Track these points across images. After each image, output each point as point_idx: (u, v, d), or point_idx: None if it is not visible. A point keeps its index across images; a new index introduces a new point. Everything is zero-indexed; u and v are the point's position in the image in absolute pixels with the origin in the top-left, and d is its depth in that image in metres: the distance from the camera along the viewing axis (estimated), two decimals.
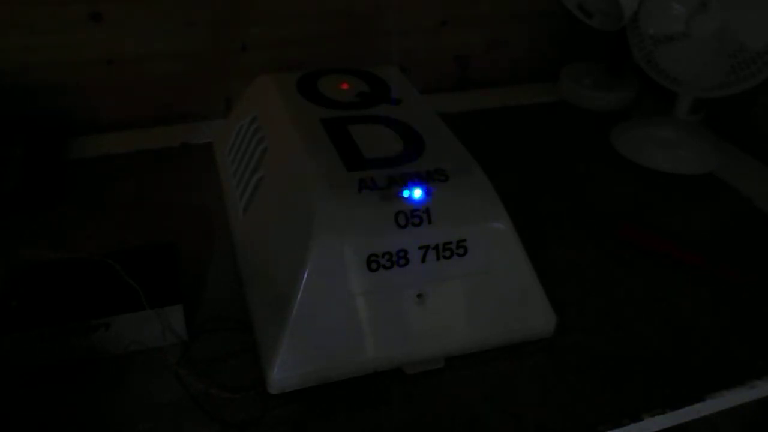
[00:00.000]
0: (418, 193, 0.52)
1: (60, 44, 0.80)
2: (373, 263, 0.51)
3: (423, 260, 0.52)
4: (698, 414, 0.54)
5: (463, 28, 0.98)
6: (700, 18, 0.76)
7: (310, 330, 0.50)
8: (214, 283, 0.62)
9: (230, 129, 0.74)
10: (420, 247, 0.52)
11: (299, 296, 0.50)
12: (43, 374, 0.52)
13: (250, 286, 0.58)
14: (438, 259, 0.53)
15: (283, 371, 0.50)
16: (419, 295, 0.53)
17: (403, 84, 0.70)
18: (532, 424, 0.51)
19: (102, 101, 0.86)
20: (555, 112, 0.98)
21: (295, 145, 0.58)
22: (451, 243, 0.53)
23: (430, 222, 0.52)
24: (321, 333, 0.51)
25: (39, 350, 0.52)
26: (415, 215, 0.52)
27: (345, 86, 0.68)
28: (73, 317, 0.52)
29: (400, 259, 0.51)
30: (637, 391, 0.54)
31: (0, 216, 0.69)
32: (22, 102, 0.82)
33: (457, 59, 1.01)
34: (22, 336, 0.51)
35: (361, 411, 0.51)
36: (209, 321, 0.58)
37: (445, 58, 1.01)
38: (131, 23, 0.82)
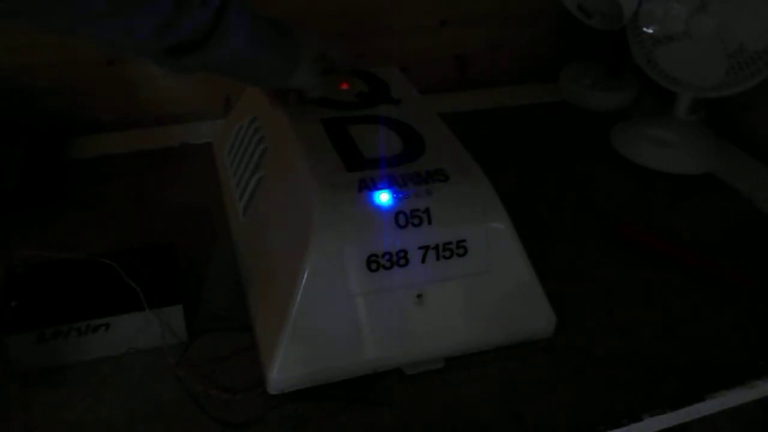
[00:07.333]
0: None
1: (60, 44, 0.80)
2: (373, 263, 0.51)
3: (423, 260, 0.52)
4: (698, 414, 0.54)
5: (463, 28, 0.98)
6: (700, 18, 0.76)
7: (310, 330, 0.50)
8: (214, 283, 0.62)
9: (230, 129, 0.74)
10: (420, 247, 0.52)
11: (299, 296, 0.50)
12: (42, 374, 0.52)
13: (250, 286, 0.58)
14: (438, 259, 0.53)
15: (283, 371, 0.50)
16: (419, 295, 0.53)
17: (403, 84, 0.70)
18: (532, 424, 0.51)
19: (102, 101, 0.86)
20: (555, 112, 0.98)
21: (294, 145, 0.58)
22: (451, 243, 0.53)
23: (429, 222, 0.52)
24: (321, 333, 0.51)
25: (39, 350, 0.52)
26: (414, 215, 0.52)
27: (345, 86, 0.68)
28: (73, 317, 0.52)
29: (400, 259, 0.51)
30: (637, 391, 0.54)
31: (0, 216, 0.69)
32: (22, 102, 0.82)
33: (457, 59, 1.01)
34: (22, 336, 0.51)
35: (361, 411, 0.51)
36: (209, 321, 0.58)
37: (445, 58, 1.01)
38: None
